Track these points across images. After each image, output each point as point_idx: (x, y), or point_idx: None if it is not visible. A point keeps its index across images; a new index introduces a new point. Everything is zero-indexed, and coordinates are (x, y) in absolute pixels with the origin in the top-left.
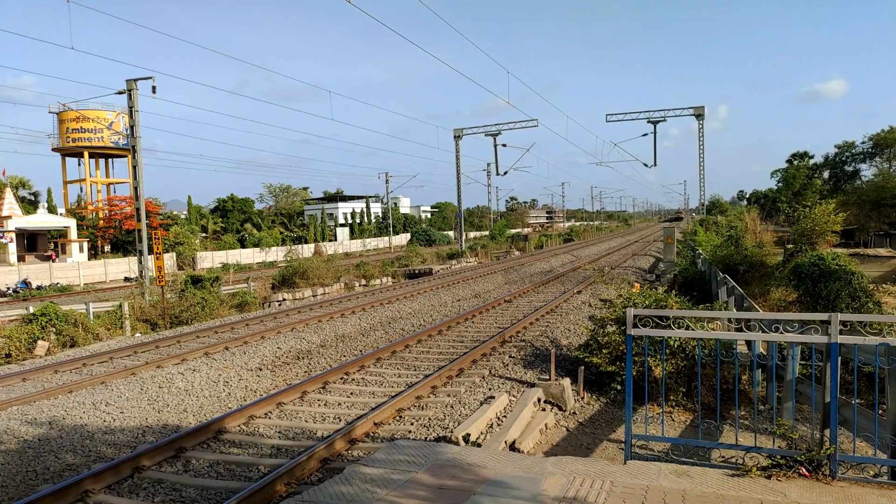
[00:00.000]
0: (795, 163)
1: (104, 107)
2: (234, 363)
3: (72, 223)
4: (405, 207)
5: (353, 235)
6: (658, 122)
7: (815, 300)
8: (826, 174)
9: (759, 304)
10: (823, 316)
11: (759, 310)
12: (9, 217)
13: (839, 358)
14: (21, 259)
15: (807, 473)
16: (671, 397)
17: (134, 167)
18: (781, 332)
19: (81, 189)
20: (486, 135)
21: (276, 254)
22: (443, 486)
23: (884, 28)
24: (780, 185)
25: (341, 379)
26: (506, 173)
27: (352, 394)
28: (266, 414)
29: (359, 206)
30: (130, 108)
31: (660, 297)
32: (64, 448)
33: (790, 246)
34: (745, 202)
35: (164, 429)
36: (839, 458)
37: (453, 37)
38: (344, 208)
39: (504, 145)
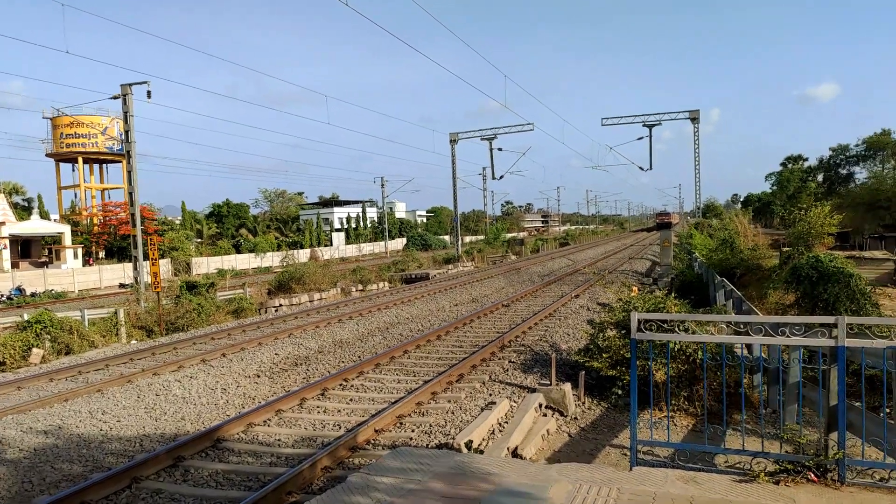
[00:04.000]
0: (790, 166)
1: (98, 112)
2: (232, 370)
3: (66, 229)
4: (401, 212)
5: (348, 240)
6: (653, 125)
7: (813, 302)
8: (820, 177)
9: (756, 306)
10: (829, 319)
11: (758, 313)
12: (2, 223)
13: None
14: (15, 266)
15: (815, 479)
16: (673, 402)
17: (129, 172)
18: (787, 336)
19: (76, 195)
20: (482, 139)
21: (272, 259)
22: (447, 494)
23: (875, 32)
24: (775, 188)
25: (340, 385)
26: (501, 177)
27: (351, 400)
28: (265, 421)
29: (354, 210)
30: (125, 113)
31: (659, 301)
32: (61, 458)
33: (787, 249)
34: (739, 205)
35: (162, 437)
36: (847, 463)
37: (450, 40)
38: (340, 213)
39: (500, 149)
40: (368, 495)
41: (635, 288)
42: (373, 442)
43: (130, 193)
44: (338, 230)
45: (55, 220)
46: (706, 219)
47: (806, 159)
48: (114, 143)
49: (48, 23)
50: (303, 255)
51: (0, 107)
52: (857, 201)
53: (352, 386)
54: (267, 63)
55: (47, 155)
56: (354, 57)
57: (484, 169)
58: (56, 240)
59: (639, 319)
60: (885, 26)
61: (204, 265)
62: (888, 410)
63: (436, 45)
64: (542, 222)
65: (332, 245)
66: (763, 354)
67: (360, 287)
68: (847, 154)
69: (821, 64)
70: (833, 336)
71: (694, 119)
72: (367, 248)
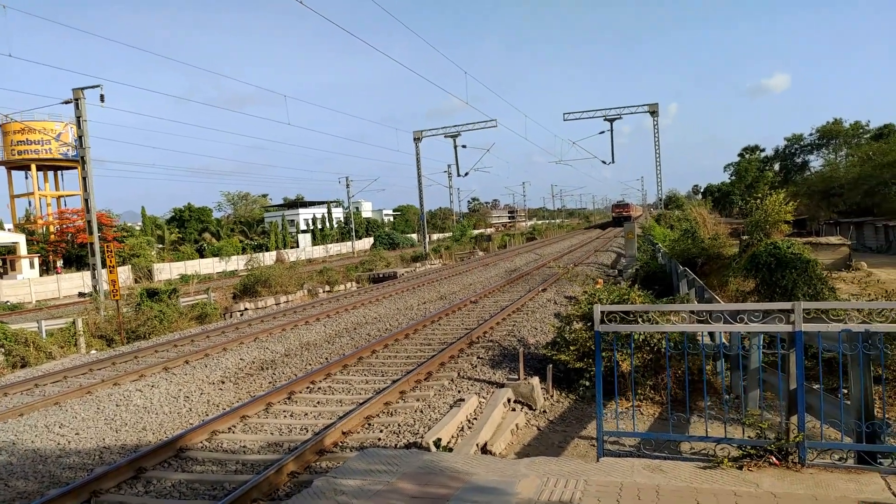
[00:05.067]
0: (747, 156)
1: (51, 117)
2: (196, 377)
3: (21, 238)
4: (367, 211)
5: (315, 241)
6: (614, 119)
7: (772, 289)
8: (777, 166)
9: (718, 294)
10: (787, 305)
11: (719, 300)
12: None
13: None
14: None
15: (777, 462)
16: (639, 391)
17: (84, 179)
18: (745, 323)
19: (30, 203)
20: (445, 136)
21: (237, 263)
22: (415, 494)
23: (822, 22)
24: (733, 178)
25: (307, 388)
26: (467, 174)
27: (319, 403)
28: (230, 428)
29: (320, 211)
30: (78, 118)
31: (623, 293)
32: (15, 475)
33: (745, 237)
34: (700, 196)
35: (123, 449)
36: (807, 445)
37: (409, 37)
38: (305, 214)
39: (464, 146)
40: (334, 499)
41: (600, 280)
42: (341, 444)
43: (86, 200)
44: (304, 231)
45: (9, 230)
46: (668, 210)
47: (763, 150)
48: (68, 149)
49: None
50: (269, 257)
51: None
52: (812, 189)
53: (319, 388)
54: (224, 65)
55: None
56: (314, 57)
57: (449, 166)
58: (10, 250)
59: (602, 311)
60: (834, 18)
61: (167, 271)
62: (845, 392)
63: (395, 43)
64: (509, 218)
65: (298, 247)
66: (725, 341)
67: (328, 288)
68: (801, 143)
69: (770, 54)
70: (790, 322)
71: (653, 112)
72: (335, 248)
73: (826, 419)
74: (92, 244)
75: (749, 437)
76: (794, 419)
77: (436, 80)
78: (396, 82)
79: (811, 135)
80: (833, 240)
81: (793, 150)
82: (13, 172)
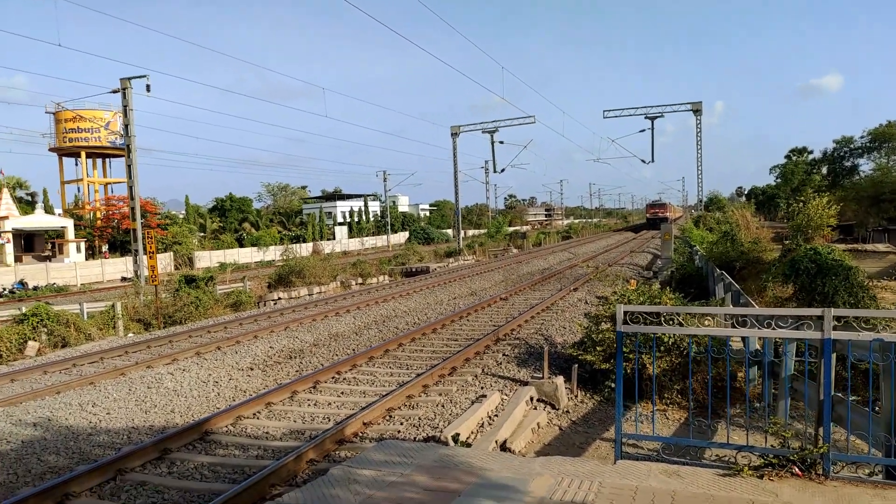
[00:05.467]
0: (794, 158)
1: (101, 106)
2: (226, 363)
3: (69, 223)
4: (404, 206)
5: (351, 234)
6: (656, 118)
7: (811, 296)
8: (825, 170)
9: (756, 300)
10: (817, 311)
11: (755, 305)
12: (6, 217)
13: (833, 354)
14: (18, 260)
15: (800, 473)
16: (665, 395)
17: (128, 166)
18: (774, 329)
19: (79, 189)
20: (483, 132)
21: (274, 253)
22: (428, 487)
23: (877, 22)
24: (779, 180)
25: (332, 378)
26: (503, 170)
27: (342, 393)
28: (255, 414)
29: (357, 204)
30: (125, 106)
31: (654, 294)
32: (48, 450)
33: (787, 242)
34: (743, 198)
35: (151, 430)
36: (833, 457)
37: (449, 34)
38: (342, 207)
39: (501, 142)
40: (348, 488)
41: (633, 281)
42: (361, 435)
43: (130, 187)
44: (340, 224)
45: (59, 215)
46: (709, 212)
47: (810, 152)
48: (116, 138)
49: (45, 18)
50: (305, 248)
51: (2, 102)
52: (861, 194)
53: (344, 379)
54: (270, 58)
55: (50, 149)
56: (356, 52)
57: (486, 162)
58: (59, 234)
59: (625, 311)
60: (890, 17)
61: (207, 259)
62: (877, 404)
63: (436, 39)
64: (546, 216)
65: (334, 239)
66: (758, 347)
67: (360, 280)
68: (852, 146)
69: (825, 55)
70: (821, 329)
71: (697, 111)
72: (370, 241)
73: (854, 431)
74: (135, 230)
75: (772, 445)
76: (820, 430)
77: (475, 77)
78: (436, 78)
79: (862, 137)
80: (880, 247)
81: (842, 154)
82: (64, 159)
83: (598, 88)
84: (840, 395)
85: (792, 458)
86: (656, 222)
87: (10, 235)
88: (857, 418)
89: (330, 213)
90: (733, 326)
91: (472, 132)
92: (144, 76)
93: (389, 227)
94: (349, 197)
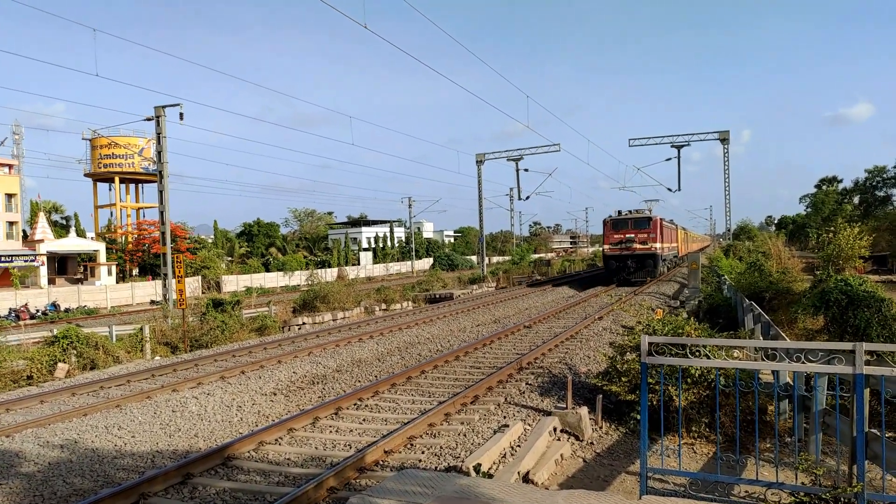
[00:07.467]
0: (824, 188)
1: (135, 133)
2: (249, 387)
3: (101, 247)
4: (428, 232)
5: (376, 260)
6: (682, 146)
7: (843, 328)
8: (856, 199)
9: (785, 331)
10: (848, 345)
11: (785, 338)
12: (41, 241)
13: (866, 389)
14: (51, 282)
15: None
16: (693, 428)
17: (160, 192)
18: (803, 363)
19: (112, 213)
20: (508, 159)
21: (300, 278)
22: None
23: None
24: (809, 210)
25: (354, 405)
26: (528, 198)
27: (364, 420)
28: (277, 440)
29: (382, 230)
30: (158, 134)
31: (679, 324)
32: (73, 472)
33: (818, 272)
34: (773, 227)
35: (174, 454)
36: (868, 497)
37: (475, 64)
38: (367, 233)
39: (526, 170)
40: None
41: (660, 311)
42: (381, 463)
43: (161, 212)
44: (365, 249)
45: (91, 238)
46: (738, 241)
47: (841, 181)
48: (149, 164)
49: (81, 48)
50: (330, 274)
51: (41, 129)
52: (894, 224)
53: (366, 406)
54: (297, 87)
55: (86, 175)
56: (382, 81)
57: (511, 189)
58: (91, 257)
59: (650, 343)
60: None
61: (233, 283)
62: None
63: (460, 67)
64: (571, 243)
65: (359, 264)
66: (789, 380)
67: (384, 306)
68: (884, 176)
69: (853, 83)
70: (852, 363)
71: (724, 140)
72: (395, 267)
73: (890, 470)
74: (165, 254)
75: (803, 483)
76: (854, 468)
77: (500, 105)
78: (460, 105)
79: (895, 167)
80: None
81: (874, 183)
82: (98, 184)
83: (624, 117)
84: (875, 431)
85: (824, 496)
86: (626, 263)
87: (44, 258)
88: (892, 456)
89: (355, 238)
90: (763, 359)
91: (496, 160)
92: (178, 104)
93: (414, 253)
94: (374, 223)
